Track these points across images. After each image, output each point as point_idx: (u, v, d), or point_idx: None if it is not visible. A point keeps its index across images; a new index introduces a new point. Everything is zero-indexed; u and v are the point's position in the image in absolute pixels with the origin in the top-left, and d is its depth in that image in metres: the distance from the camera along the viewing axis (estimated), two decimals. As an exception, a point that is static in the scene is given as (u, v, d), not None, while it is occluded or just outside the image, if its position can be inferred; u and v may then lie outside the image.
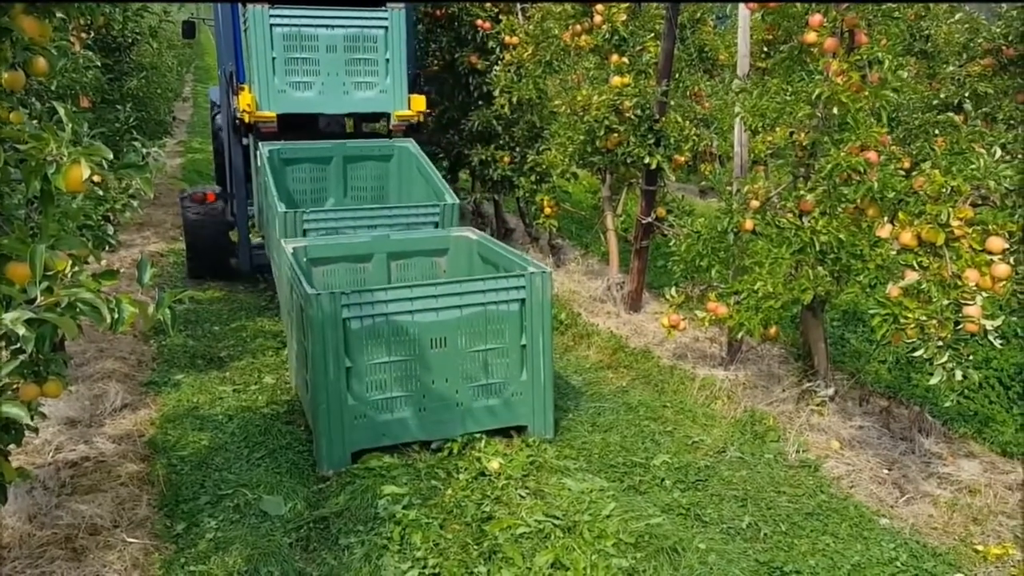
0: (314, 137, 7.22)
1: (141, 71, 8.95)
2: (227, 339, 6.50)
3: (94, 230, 4.89)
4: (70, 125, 2.24)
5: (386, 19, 6.77)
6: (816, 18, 4.47)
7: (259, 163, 6.71)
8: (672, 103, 6.56)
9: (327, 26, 6.67)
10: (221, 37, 7.60)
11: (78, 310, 2.23)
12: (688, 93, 9.31)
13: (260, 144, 6.77)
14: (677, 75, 7.15)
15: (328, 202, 7.05)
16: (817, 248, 4.34)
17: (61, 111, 2.24)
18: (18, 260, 2.23)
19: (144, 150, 5.13)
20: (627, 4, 6.72)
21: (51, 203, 2.26)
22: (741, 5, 5.06)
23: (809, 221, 4.47)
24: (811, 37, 4.49)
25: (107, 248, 5.43)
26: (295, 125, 7.11)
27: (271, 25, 6.54)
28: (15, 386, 2.54)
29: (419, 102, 7.06)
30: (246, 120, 6.80)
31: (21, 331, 1.67)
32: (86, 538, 3.62)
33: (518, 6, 8.38)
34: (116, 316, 2.32)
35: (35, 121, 5.04)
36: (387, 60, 6.85)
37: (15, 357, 2.15)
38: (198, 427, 4.88)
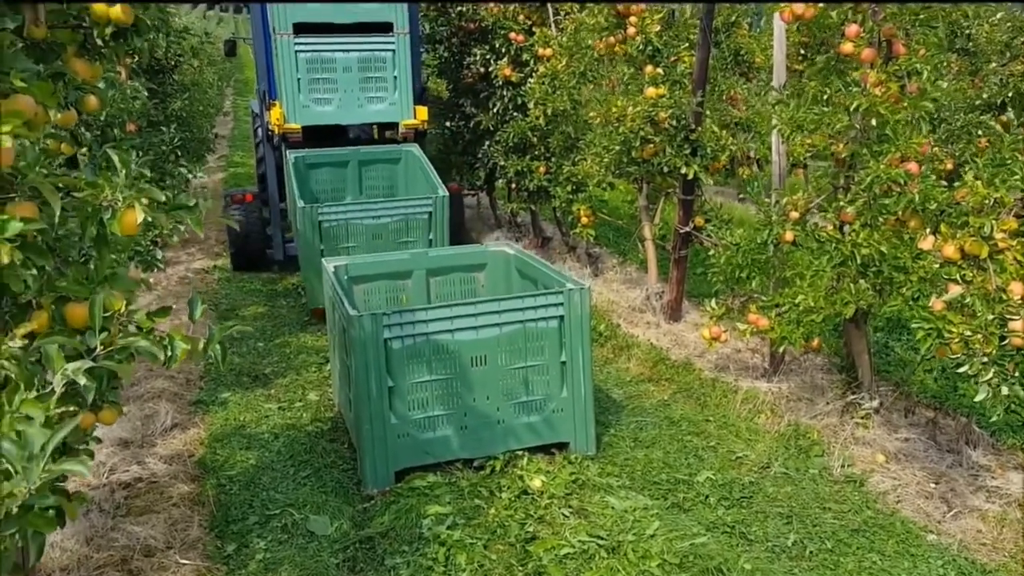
0: (345, 144, 8.36)
1: (184, 92, 9.17)
2: (271, 355, 6.62)
3: (143, 255, 5.04)
4: (123, 170, 2.32)
5: (393, 43, 7.96)
6: (853, 28, 4.44)
7: (286, 168, 7.70)
8: (708, 113, 6.54)
9: (343, 50, 7.86)
10: (257, 59, 8.52)
11: (133, 350, 2.32)
12: (724, 97, 9.28)
13: (287, 151, 7.83)
14: (713, 79, 7.14)
15: (346, 199, 8.05)
16: (858, 261, 4.31)
17: (115, 158, 2.32)
18: (76, 301, 2.32)
19: (190, 176, 5.28)
20: (661, 14, 6.72)
21: (106, 247, 2.35)
22: (776, 15, 5.03)
23: (850, 234, 4.43)
24: (848, 47, 4.46)
25: (155, 270, 5.58)
26: (328, 134, 8.15)
27: (296, 51, 7.74)
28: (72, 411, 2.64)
29: (423, 112, 8.25)
30: (276, 132, 7.94)
31: (83, 381, 1.74)
32: (141, 560, 3.72)
33: (551, 18, 8.42)
34: (169, 354, 2.40)
35: (84, 151, 5.17)
36: (395, 77, 8.03)
37: (75, 402, 2.21)
38: (245, 446, 4.98)
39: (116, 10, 2.67)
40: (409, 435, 4.37)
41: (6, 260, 1.83)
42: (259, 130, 9.41)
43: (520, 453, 4.50)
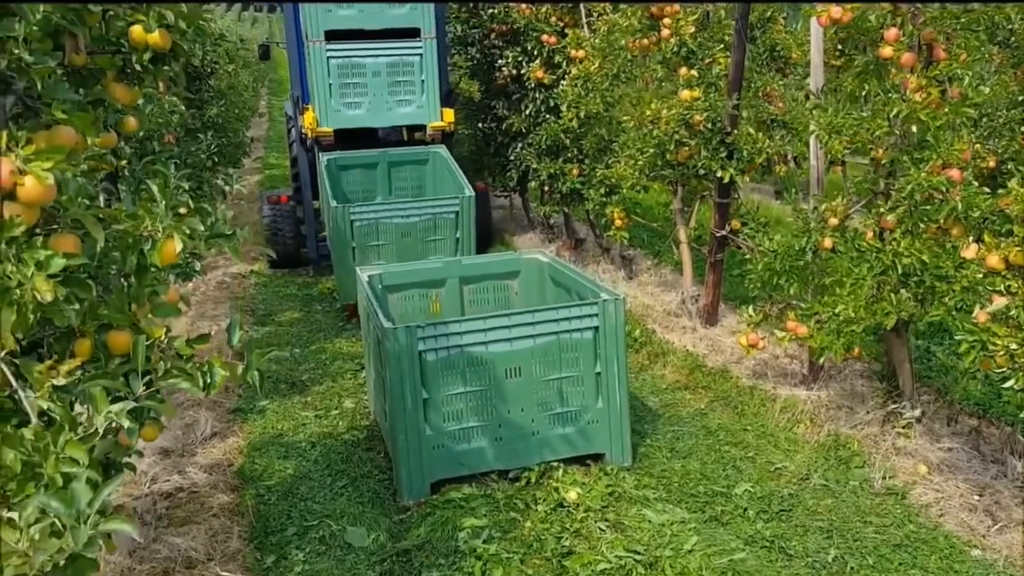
0: (376, 146, 8.67)
1: (220, 98, 9.28)
2: (307, 362, 6.68)
3: (182, 267, 5.10)
4: (163, 201, 2.35)
5: (421, 48, 8.20)
6: (892, 32, 4.36)
7: (319, 170, 8.12)
8: (744, 115, 6.46)
9: (373, 56, 8.14)
10: (290, 64, 8.96)
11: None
12: (760, 93, 9.15)
13: (320, 154, 8.21)
14: (749, 77, 7.05)
15: (376, 199, 8.38)
16: (899, 271, 4.23)
17: (154, 188, 2.35)
18: (118, 329, 2.36)
19: (226, 187, 5.35)
20: (695, 16, 6.65)
21: (146, 276, 2.38)
22: (813, 19, 4.95)
23: (890, 242, 4.35)
24: (887, 51, 4.37)
25: (192, 280, 5.66)
26: (359, 137, 8.41)
27: (328, 57, 8.01)
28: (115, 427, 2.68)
29: (449, 114, 8.51)
30: (309, 135, 8.25)
31: (126, 424, 1.77)
32: (182, 572, 3.78)
33: (583, 20, 8.37)
34: (208, 381, 2.43)
35: (124, 164, 5.22)
36: (423, 81, 8.27)
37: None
38: (283, 455, 5.03)
39: (155, 36, 2.69)
40: (444, 446, 4.38)
41: (50, 297, 1.86)
42: (293, 132, 9.77)
43: (555, 464, 4.49)
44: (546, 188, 9.27)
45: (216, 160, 7.94)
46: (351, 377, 6.28)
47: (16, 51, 2.01)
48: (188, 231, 2.38)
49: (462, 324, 4.38)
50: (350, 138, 8.41)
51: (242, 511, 4.38)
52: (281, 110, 17.06)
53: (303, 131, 8.53)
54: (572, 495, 4.22)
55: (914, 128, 4.22)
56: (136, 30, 2.70)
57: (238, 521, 4.29)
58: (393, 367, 4.25)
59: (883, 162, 4.60)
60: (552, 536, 3.92)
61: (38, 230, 2.18)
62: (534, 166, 8.89)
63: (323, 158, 8.15)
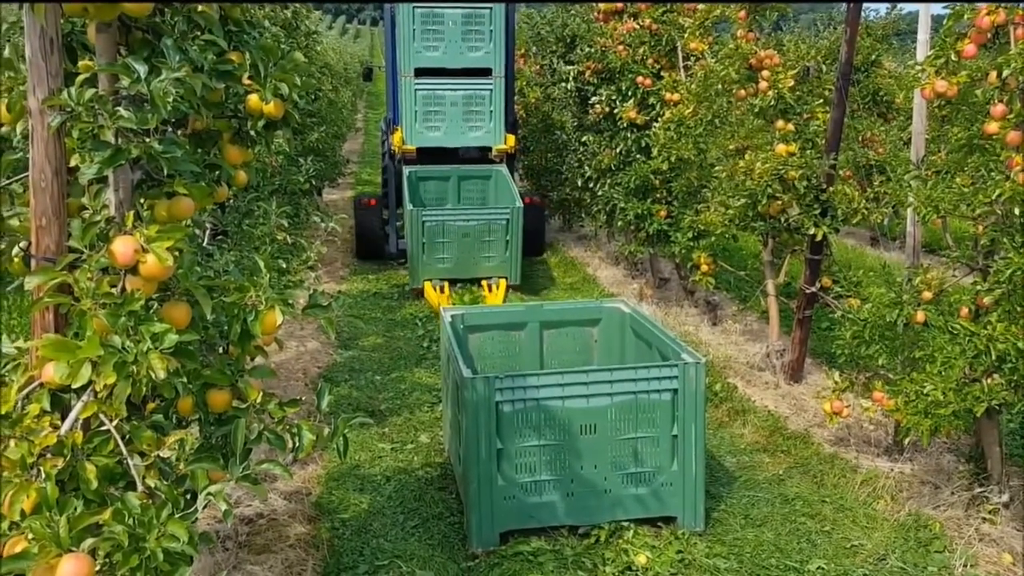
0: (455, 162, 10.43)
1: (321, 124, 9.68)
2: (387, 390, 6.83)
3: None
4: (267, 275, 2.48)
5: (491, 85, 10.01)
6: (999, 108, 4.25)
7: (403, 179, 9.89)
8: (840, 173, 6.34)
9: (452, 89, 9.95)
10: (387, 92, 10.84)
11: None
12: (860, 138, 8.96)
13: (404, 167, 10.04)
14: (848, 124, 6.91)
15: (446, 206, 10.13)
16: (993, 356, 4.10)
17: (261, 263, 2.48)
18: (219, 389, 2.51)
19: (323, 225, 5.56)
20: (795, 70, 6.58)
21: (249, 342, 2.52)
22: (916, 92, 4.86)
23: (986, 325, 4.22)
24: (992, 128, 4.27)
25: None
26: (441, 153, 10.23)
27: (415, 90, 9.89)
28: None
29: (511, 139, 10.33)
30: (396, 152, 10.26)
31: (223, 507, 1.88)
32: (259, 603, 3.93)
33: (680, 63, 8.36)
34: (297, 444, 2.56)
35: (231, 197, 5.45)
36: (491, 111, 10.08)
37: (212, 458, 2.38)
38: (359, 488, 5.17)
39: (269, 107, 2.85)
40: (516, 498, 4.43)
41: (163, 376, 2.00)
42: (386, 147, 11.33)
43: (626, 524, 4.48)
44: (632, 228, 9.27)
45: (313, 183, 8.22)
46: (428, 410, 6.40)
47: (148, 140, 2.17)
48: (289, 303, 2.51)
49: (540, 378, 4.43)
50: (432, 155, 10.11)
51: (317, 544, 4.52)
52: (377, 124, 18.56)
53: (392, 147, 10.36)
54: (641, 559, 4.22)
55: (1016, 210, 4.09)
56: (253, 99, 2.86)
57: (313, 554, 4.43)
58: (470, 416, 4.33)
59: (983, 240, 4.47)
60: (618, 601, 3.93)
61: (153, 297, 2.34)
62: (621, 205, 8.90)
63: (406, 170, 9.89)
